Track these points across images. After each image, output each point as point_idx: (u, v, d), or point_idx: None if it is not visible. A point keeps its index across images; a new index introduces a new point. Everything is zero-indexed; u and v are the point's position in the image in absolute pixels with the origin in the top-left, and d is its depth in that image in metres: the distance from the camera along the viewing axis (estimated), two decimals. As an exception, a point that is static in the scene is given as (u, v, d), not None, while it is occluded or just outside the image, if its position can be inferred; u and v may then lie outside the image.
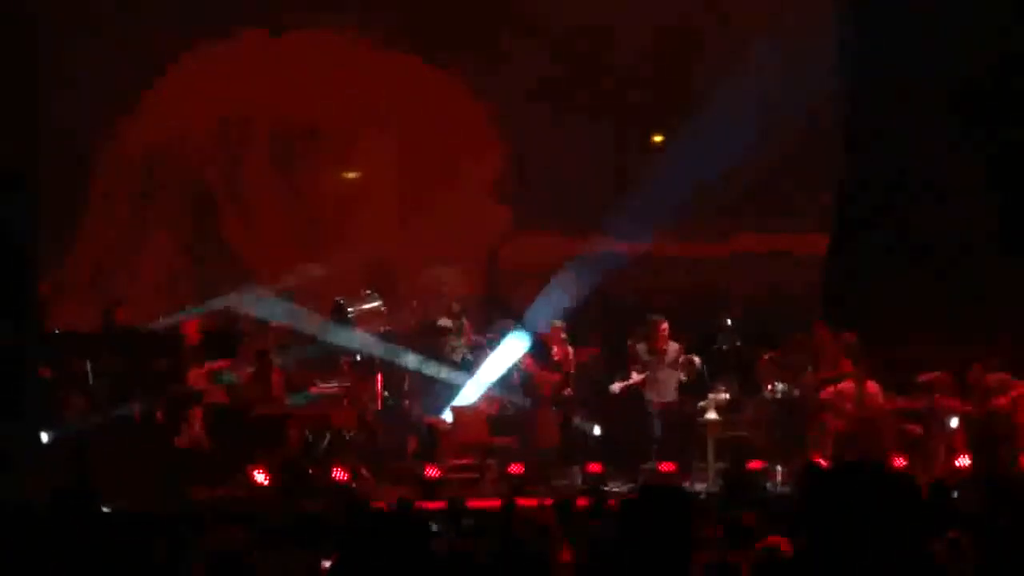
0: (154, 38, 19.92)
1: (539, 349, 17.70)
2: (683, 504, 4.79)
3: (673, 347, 17.33)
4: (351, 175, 21.62)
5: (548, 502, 11.13)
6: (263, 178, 20.91)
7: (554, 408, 17.40)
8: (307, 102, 20.65)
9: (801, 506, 4.34)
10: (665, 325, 17.31)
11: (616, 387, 17.45)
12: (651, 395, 17.25)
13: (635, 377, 17.30)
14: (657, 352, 17.26)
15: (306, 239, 20.80)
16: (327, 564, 7.44)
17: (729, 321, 18.36)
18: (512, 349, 17.88)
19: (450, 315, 18.79)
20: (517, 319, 18.40)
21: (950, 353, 16.80)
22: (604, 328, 18.87)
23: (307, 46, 20.56)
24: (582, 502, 11.61)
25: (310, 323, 18.42)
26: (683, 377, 17.32)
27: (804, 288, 19.43)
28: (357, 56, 20.52)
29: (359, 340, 18.16)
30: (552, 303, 18.46)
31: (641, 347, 17.35)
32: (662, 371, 17.27)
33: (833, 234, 19.16)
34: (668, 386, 17.29)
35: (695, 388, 17.48)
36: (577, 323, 18.16)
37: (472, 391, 17.93)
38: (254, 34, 20.49)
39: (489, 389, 17.93)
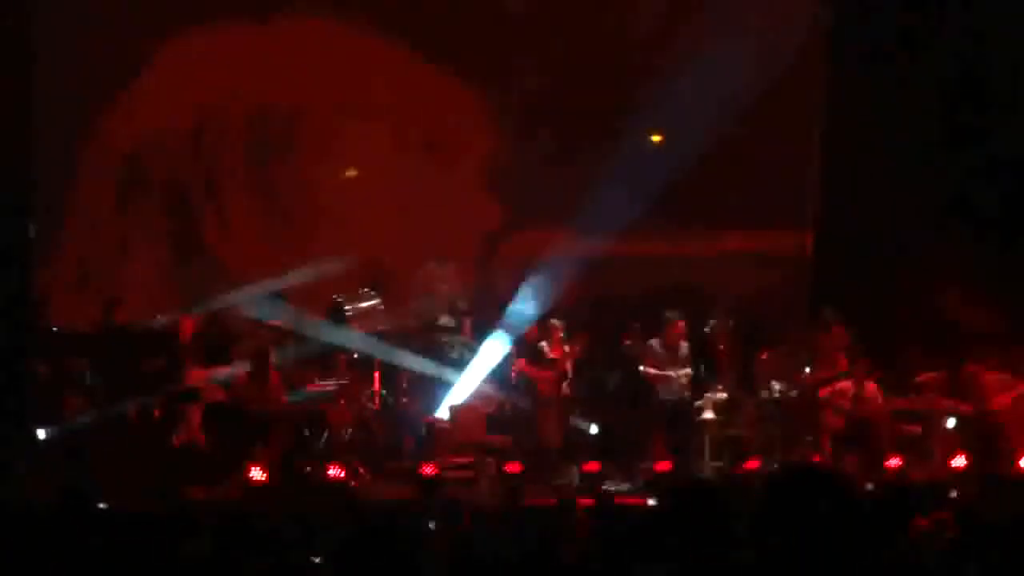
0: (136, 33, 19.80)
1: (527, 348, 17.73)
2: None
3: (684, 346, 17.37)
4: (340, 171, 21.47)
5: (552, 502, 11.15)
6: (246, 175, 20.79)
7: (554, 405, 17.41)
8: (292, 94, 20.55)
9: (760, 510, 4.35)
10: (681, 324, 17.36)
11: (650, 370, 17.32)
12: (663, 393, 17.27)
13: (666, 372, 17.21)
14: (671, 350, 17.30)
15: (293, 237, 20.68)
16: (317, 560, 7.46)
17: (713, 321, 18.28)
18: (493, 348, 17.87)
19: (452, 313, 18.78)
20: (497, 318, 18.36)
21: (947, 353, 16.82)
22: (592, 326, 18.83)
23: (292, 37, 20.44)
24: (585, 501, 11.63)
25: (307, 323, 18.39)
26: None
27: (797, 287, 19.42)
28: (345, 48, 20.41)
29: (357, 339, 18.16)
30: (530, 302, 18.39)
31: (655, 343, 17.38)
32: (674, 369, 17.29)
33: (821, 232, 19.19)
34: (679, 384, 17.32)
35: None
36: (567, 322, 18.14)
37: (462, 390, 17.91)
38: (236, 26, 20.35)
39: (487, 388, 17.92)
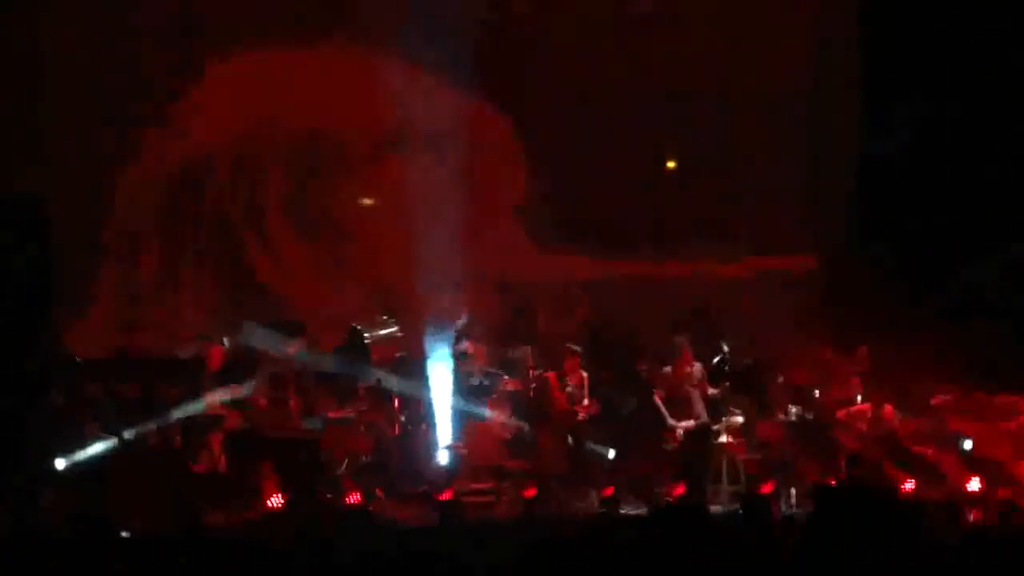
0: (176, 60, 20.01)
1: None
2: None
3: (697, 368, 17.42)
4: (373, 199, 21.48)
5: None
6: (287, 200, 20.82)
7: (564, 431, 17.46)
8: (334, 121, 20.57)
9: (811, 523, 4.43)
10: (688, 350, 17.41)
11: (680, 426, 17.34)
12: (675, 418, 17.33)
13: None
14: (681, 375, 17.35)
15: (330, 266, 20.68)
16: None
17: (726, 347, 18.31)
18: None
19: (457, 341, 18.85)
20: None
21: (960, 375, 16.86)
22: (604, 351, 18.91)
23: (334, 64, 20.49)
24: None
25: (325, 351, 18.50)
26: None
27: (813, 310, 19.46)
28: (387, 76, 20.42)
29: (375, 366, 18.25)
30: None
31: (666, 370, 17.43)
32: (686, 392, 17.35)
33: (835, 253, 19.26)
34: (694, 406, 17.39)
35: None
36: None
37: (480, 416, 17.97)
38: (270, 54, 20.42)
39: (505, 413, 17.99)
